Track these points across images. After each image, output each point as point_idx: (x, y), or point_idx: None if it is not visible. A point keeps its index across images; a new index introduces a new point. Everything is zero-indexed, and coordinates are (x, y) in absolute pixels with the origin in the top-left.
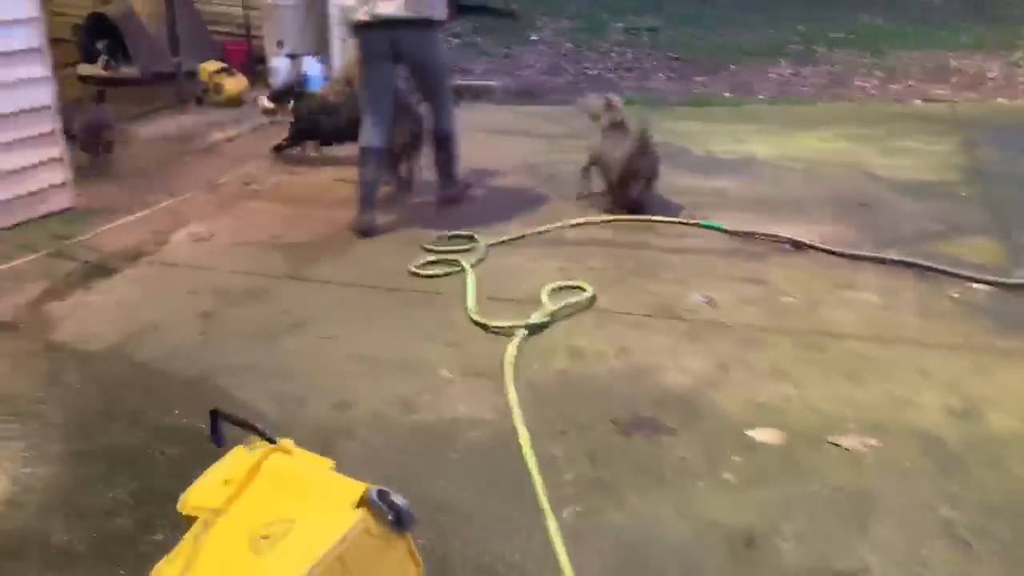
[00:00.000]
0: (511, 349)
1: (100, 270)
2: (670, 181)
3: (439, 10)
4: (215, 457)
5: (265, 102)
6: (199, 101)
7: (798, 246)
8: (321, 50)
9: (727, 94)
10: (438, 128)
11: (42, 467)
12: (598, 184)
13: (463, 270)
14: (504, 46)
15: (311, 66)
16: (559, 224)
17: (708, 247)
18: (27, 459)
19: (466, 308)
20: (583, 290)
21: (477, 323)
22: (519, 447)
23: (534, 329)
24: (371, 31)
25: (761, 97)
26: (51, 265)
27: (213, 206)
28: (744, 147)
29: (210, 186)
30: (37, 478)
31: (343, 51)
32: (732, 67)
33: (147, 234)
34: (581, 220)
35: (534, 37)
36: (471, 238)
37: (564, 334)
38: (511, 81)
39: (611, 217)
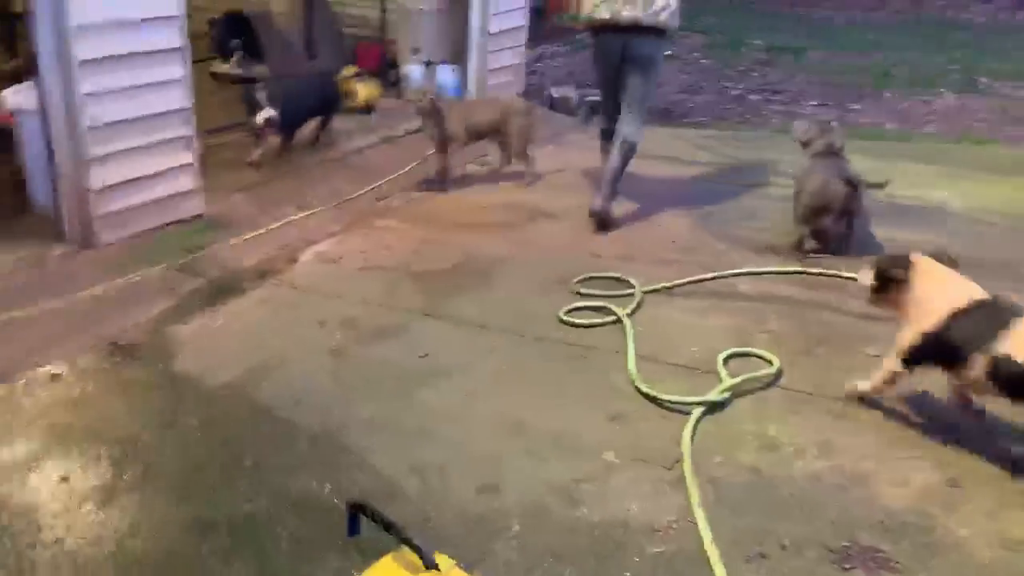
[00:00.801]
0: (687, 432)
1: (225, 289)
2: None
3: (673, 20)
4: (343, 541)
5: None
6: None
7: None
8: (457, 59)
9: (888, 125)
10: (627, 137)
11: (153, 536)
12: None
13: (619, 322)
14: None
15: (446, 75)
16: (729, 273)
17: None
18: (137, 523)
19: (628, 372)
20: (767, 361)
21: (644, 394)
22: (710, 572)
23: (712, 407)
24: (607, 32)
25: (930, 131)
26: (176, 280)
27: (343, 223)
28: (929, 192)
29: (340, 201)
30: (147, 550)
31: (479, 60)
32: (887, 94)
33: (275, 250)
34: (755, 269)
35: (667, 52)
36: (625, 281)
37: (750, 418)
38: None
39: (791, 268)
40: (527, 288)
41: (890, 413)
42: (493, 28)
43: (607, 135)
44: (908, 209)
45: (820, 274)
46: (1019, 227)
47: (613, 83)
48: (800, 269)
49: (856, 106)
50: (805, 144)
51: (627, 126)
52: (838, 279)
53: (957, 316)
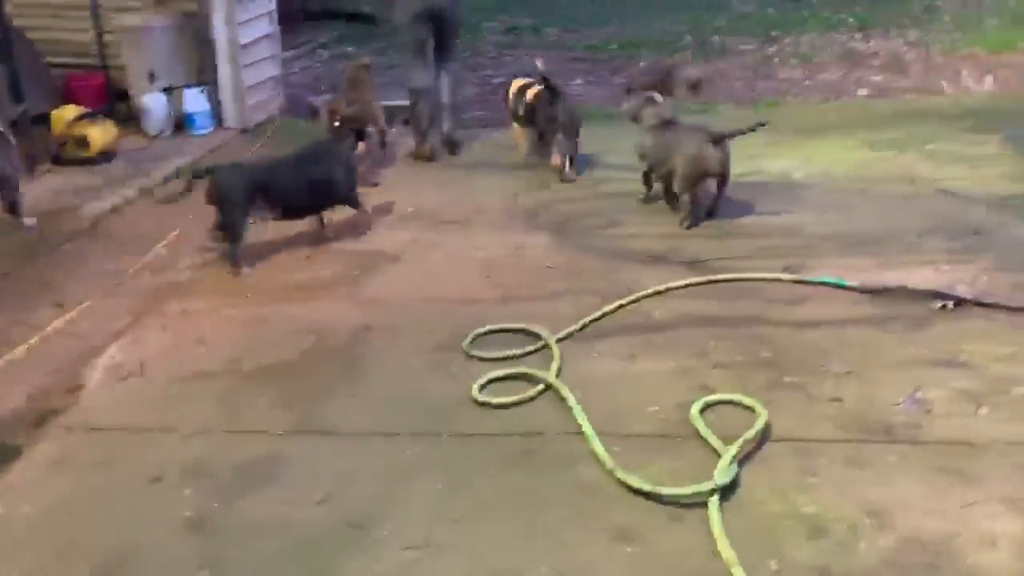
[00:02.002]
0: (720, 537)
1: None
2: (721, 221)
3: None
4: None
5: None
6: (56, 160)
7: (957, 302)
8: (205, 80)
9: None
10: (456, 71)
11: None
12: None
13: (551, 388)
14: (380, 55)
15: (194, 100)
16: (632, 298)
17: (846, 315)
18: None
19: (599, 461)
20: (749, 409)
21: (636, 490)
22: None
23: (725, 490)
24: None
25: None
26: None
27: (127, 316)
28: (766, 164)
29: (113, 284)
30: None
31: (233, 77)
32: (642, 65)
33: (46, 376)
34: (656, 289)
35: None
36: (526, 331)
37: (772, 493)
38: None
39: (692, 281)
40: (412, 364)
41: (914, 443)
42: (244, 39)
43: (423, 93)
44: (757, 186)
45: (734, 279)
46: (875, 191)
47: (425, 43)
48: (710, 279)
49: (620, 80)
50: (635, 119)
51: (452, 63)
52: (744, 281)
53: None
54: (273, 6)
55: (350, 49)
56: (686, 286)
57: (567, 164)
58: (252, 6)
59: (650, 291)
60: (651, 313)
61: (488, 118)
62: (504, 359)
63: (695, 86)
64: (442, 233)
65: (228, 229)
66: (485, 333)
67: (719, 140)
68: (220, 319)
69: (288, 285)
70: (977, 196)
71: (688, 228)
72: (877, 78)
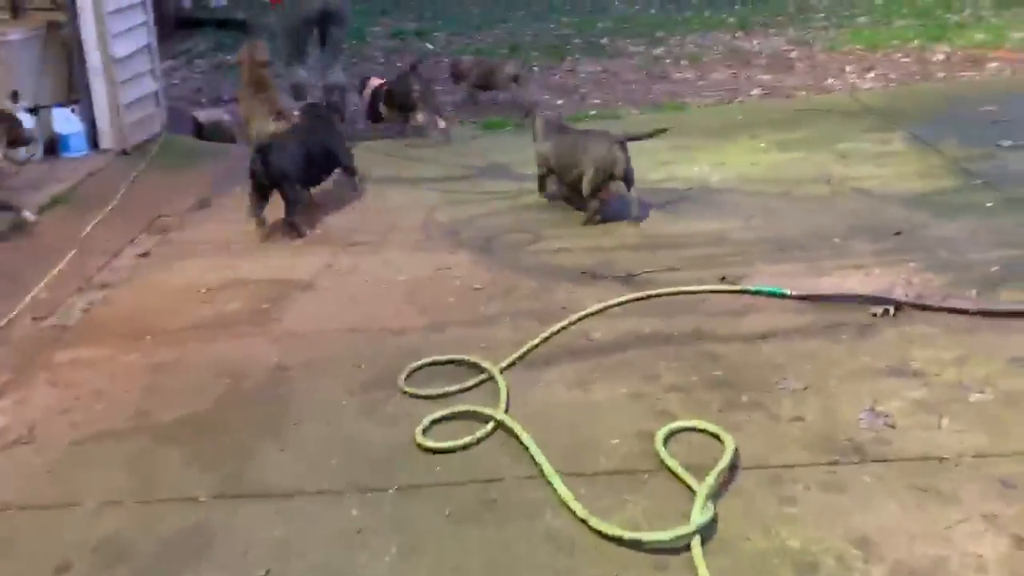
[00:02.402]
0: None
1: None
2: (643, 229)
3: None
4: None
5: None
6: None
7: (896, 306)
8: (77, 98)
9: (559, 101)
10: (338, 82)
11: None
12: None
13: (501, 426)
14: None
15: (66, 121)
16: (572, 319)
17: (790, 325)
18: None
19: (567, 508)
20: (712, 436)
21: (613, 538)
22: None
23: (705, 528)
24: None
25: (596, 102)
26: None
27: (6, 371)
28: (680, 170)
29: None
30: None
31: (108, 94)
32: (534, 68)
33: None
34: (595, 308)
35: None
36: (467, 362)
37: (753, 528)
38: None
39: (630, 297)
40: (343, 406)
41: (884, 461)
42: (119, 51)
43: (296, 86)
44: (675, 193)
45: (673, 293)
46: (793, 193)
47: (306, 40)
48: (648, 294)
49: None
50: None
51: (336, 74)
52: (680, 294)
53: None
54: (150, 16)
55: (228, 58)
56: (625, 303)
57: (439, 122)
58: (127, 16)
59: (590, 311)
60: (593, 334)
61: (386, 128)
62: (445, 395)
63: (516, 79)
64: (356, 255)
65: (290, 202)
66: (420, 367)
67: (623, 143)
68: (118, 368)
69: (190, 323)
70: (892, 195)
71: (585, 224)
72: (766, 77)
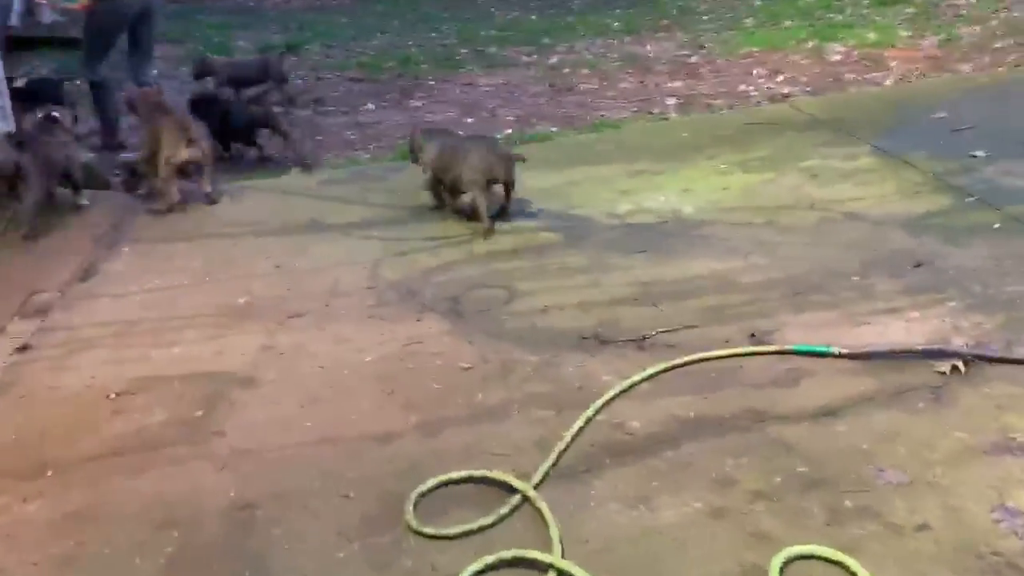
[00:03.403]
0: None
1: None
2: (635, 275)
3: None
4: None
5: None
6: None
7: (965, 361)
8: None
9: (469, 120)
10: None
11: None
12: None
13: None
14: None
15: None
16: (596, 408)
17: (850, 393)
18: None
19: None
20: (839, 566)
21: None
22: None
23: None
24: None
25: (509, 118)
26: None
27: None
28: (645, 200)
29: None
30: None
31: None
32: (431, 82)
33: None
34: (619, 389)
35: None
36: (492, 480)
37: None
38: None
39: (657, 369)
40: (341, 561)
41: None
42: None
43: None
44: (651, 229)
45: (711, 358)
46: (779, 222)
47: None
48: (674, 363)
49: (417, 103)
50: (414, 152)
51: (146, 75)
52: (705, 361)
53: None
54: None
55: (79, 82)
56: (652, 376)
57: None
58: None
59: (614, 392)
60: (629, 423)
61: (285, 157)
62: (475, 532)
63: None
64: (298, 332)
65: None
66: (430, 490)
67: (501, 147)
68: (17, 525)
69: (104, 446)
70: (888, 219)
71: (486, 237)
72: (676, 84)
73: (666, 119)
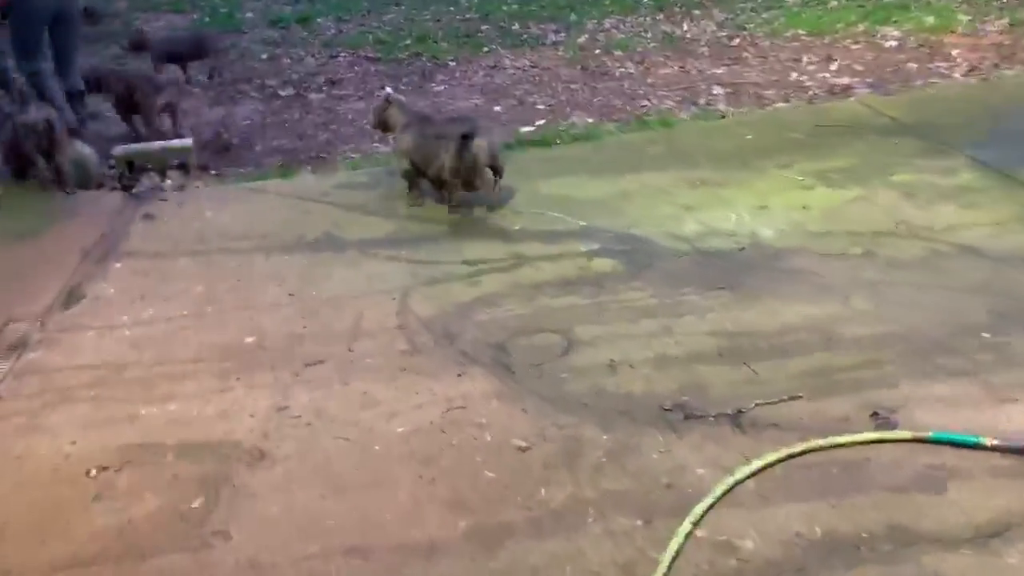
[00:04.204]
0: None
1: None
2: (715, 321)
3: None
4: None
5: None
6: None
7: None
8: None
9: (497, 108)
10: (81, 87)
11: None
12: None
13: None
14: (119, 62)
15: None
16: (695, 517)
17: (1016, 505)
18: None
19: None
20: None
21: None
22: None
23: None
24: None
25: (542, 108)
26: None
27: None
28: (714, 219)
29: None
30: None
31: None
32: (452, 63)
33: None
34: (720, 492)
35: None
36: None
37: None
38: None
39: (767, 462)
40: None
41: None
42: None
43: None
44: (729, 258)
45: (830, 447)
46: (880, 254)
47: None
48: (790, 453)
49: (438, 86)
50: (382, 126)
51: (74, 77)
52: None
53: None
54: None
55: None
56: (758, 472)
57: None
58: None
59: (715, 496)
60: (738, 542)
61: (295, 149)
62: None
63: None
64: (316, 387)
65: None
66: None
67: (486, 131)
68: None
69: (78, 553)
70: (1011, 255)
71: (451, 213)
72: (719, 71)
73: (722, 116)
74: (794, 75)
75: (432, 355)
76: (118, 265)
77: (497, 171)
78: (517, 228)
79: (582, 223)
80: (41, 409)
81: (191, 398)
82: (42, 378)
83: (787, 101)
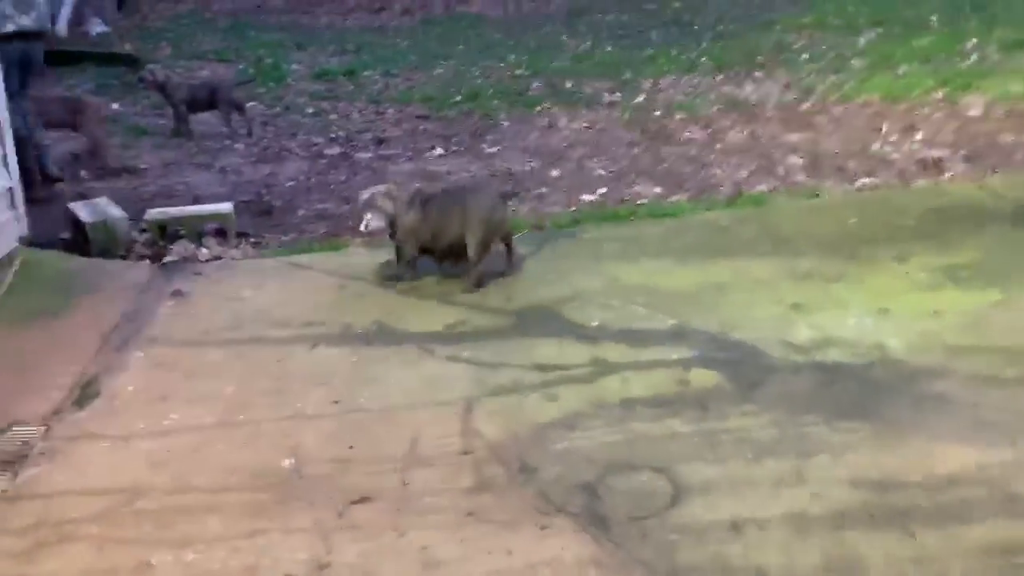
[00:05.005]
0: None
1: None
2: (856, 465)
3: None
4: None
5: None
6: None
7: None
8: None
9: (554, 172)
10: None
11: None
12: None
13: None
14: (159, 114)
15: None
16: None
17: None
18: None
19: None
20: None
21: None
22: None
23: None
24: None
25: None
26: None
27: None
28: (831, 323)
29: None
30: None
31: None
32: (504, 123)
33: None
34: None
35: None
36: None
37: None
38: (223, 186)
39: None
40: None
41: None
42: None
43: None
44: (850, 377)
45: None
46: None
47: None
48: None
49: (490, 148)
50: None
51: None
52: None
53: None
54: None
55: (116, 107)
56: None
57: None
58: None
59: None
60: None
61: (341, 214)
62: None
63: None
64: (363, 537)
65: None
66: None
67: (506, 196)
68: None
69: None
70: None
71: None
72: (793, 138)
73: (815, 195)
74: (876, 145)
75: (505, 496)
76: (140, 355)
77: (511, 242)
78: (595, 324)
79: (672, 321)
80: (34, 551)
81: (214, 543)
82: (41, 505)
83: (871, 175)
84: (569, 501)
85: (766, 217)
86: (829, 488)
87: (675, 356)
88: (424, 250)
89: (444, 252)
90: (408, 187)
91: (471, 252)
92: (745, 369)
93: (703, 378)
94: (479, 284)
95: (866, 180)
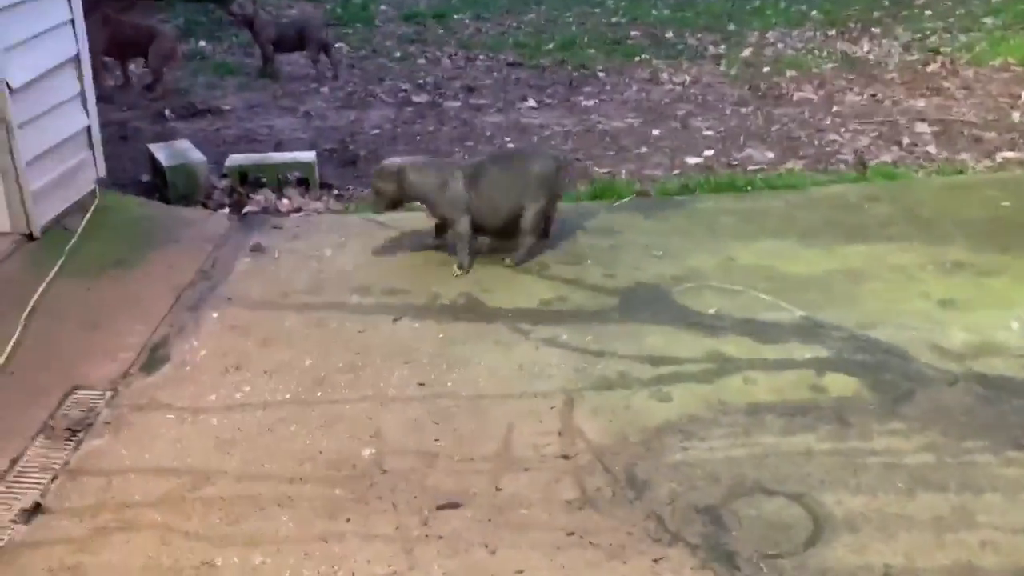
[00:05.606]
0: None
1: None
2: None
3: None
4: None
5: None
6: None
7: None
8: None
9: (656, 131)
10: None
11: None
12: None
13: None
14: (246, 53)
15: None
16: None
17: None
18: None
19: None
20: None
21: None
22: None
23: None
24: None
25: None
26: None
27: None
28: (990, 326)
29: None
30: None
31: None
32: (601, 74)
33: None
34: None
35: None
36: None
37: None
38: (306, 132)
39: None
40: None
41: None
42: (17, 77)
43: None
44: (1017, 392)
45: None
46: None
47: None
48: None
49: (587, 101)
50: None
51: None
52: None
53: None
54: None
55: (203, 44)
56: None
57: None
58: (30, 19)
59: None
60: None
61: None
62: None
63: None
64: (455, 549)
65: None
66: None
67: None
68: None
69: None
70: None
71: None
72: (919, 102)
73: (960, 172)
74: (1016, 115)
75: (612, 514)
76: (214, 315)
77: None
78: (712, 312)
79: (800, 313)
80: (94, 537)
81: (284, 546)
82: (103, 484)
83: (1014, 149)
84: (687, 527)
85: (902, 194)
86: (1003, 536)
87: (807, 355)
88: (477, 229)
89: (501, 229)
90: (430, 161)
91: (527, 223)
92: (890, 377)
93: (840, 384)
94: (529, 258)
95: (1009, 154)
